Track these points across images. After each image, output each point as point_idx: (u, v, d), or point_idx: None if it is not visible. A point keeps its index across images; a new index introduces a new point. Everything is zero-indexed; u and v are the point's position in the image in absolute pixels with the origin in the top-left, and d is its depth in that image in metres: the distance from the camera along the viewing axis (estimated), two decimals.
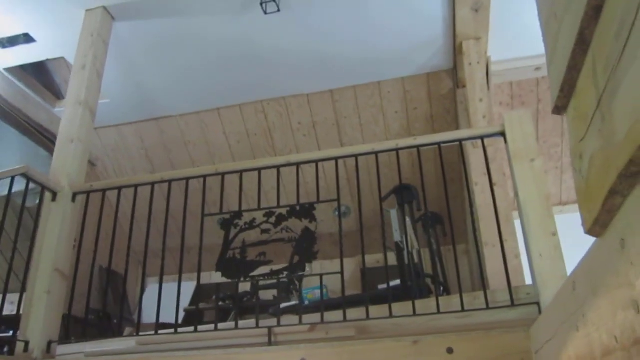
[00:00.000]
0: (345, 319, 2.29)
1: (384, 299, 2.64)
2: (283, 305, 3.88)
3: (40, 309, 2.65)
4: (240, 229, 2.54)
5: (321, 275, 2.66)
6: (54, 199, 2.90)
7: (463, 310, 2.23)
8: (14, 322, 2.75)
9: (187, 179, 2.76)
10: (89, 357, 2.64)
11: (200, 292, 5.46)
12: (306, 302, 4.05)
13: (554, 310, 1.54)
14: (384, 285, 3.70)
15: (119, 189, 2.88)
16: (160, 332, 2.59)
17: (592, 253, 1.05)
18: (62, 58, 4.24)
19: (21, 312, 2.64)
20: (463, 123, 4.38)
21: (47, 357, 2.59)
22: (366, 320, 2.32)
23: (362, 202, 2.78)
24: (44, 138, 4.83)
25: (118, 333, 4.58)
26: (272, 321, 2.45)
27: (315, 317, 2.42)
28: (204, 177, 2.74)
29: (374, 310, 2.40)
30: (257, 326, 2.37)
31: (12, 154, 5.07)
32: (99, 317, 4.87)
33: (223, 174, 2.71)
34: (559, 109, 1.08)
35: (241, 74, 4.40)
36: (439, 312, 2.25)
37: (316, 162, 2.62)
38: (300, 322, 2.35)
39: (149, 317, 6.23)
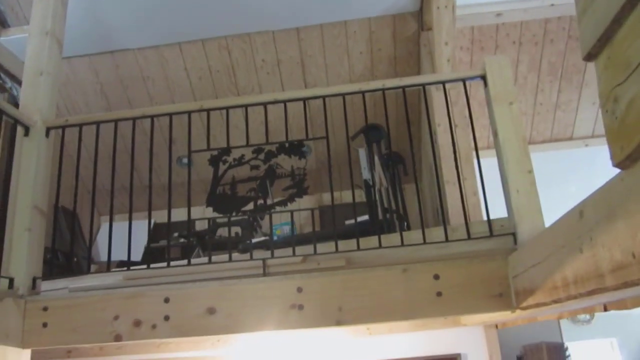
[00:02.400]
0: (337, 250, 2.42)
1: (353, 234, 2.79)
2: (254, 240, 4.00)
3: (22, 247, 2.61)
4: (229, 165, 2.57)
5: (292, 212, 2.76)
6: (26, 133, 2.80)
7: (447, 240, 2.41)
8: None
9: (170, 115, 2.74)
10: (74, 292, 2.66)
11: (157, 231, 5.48)
12: (275, 238, 4.18)
13: (548, 237, 1.73)
14: (351, 221, 3.89)
15: (97, 123, 2.82)
16: (152, 266, 2.63)
17: (613, 184, 1.20)
18: None
19: None
20: (425, 66, 4.50)
21: (32, 293, 2.58)
22: (355, 252, 2.47)
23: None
24: None
25: (80, 271, 4.56)
26: (266, 253, 2.55)
27: (306, 249, 2.54)
28: (189, 112, 2.72)
29: (361, 243, 2.55)
30: (251, 258, 2.47)
31: None
32: (56, 257, 4.80)
33: (208, 110, 2.70)
34: (591, 56, 1.20)
35: (205, 8, 4.27)
36: (424, 242, 2.42)
37: (304, 99, 2.67)
38: (294, 254, 2.46)
39: (104, 255, 6.19)
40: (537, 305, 1.94)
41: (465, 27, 4.68)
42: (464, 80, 2.64)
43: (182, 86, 4.95)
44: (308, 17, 4.46)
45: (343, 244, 2.51)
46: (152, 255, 5.19)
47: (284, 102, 2.68)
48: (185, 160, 5.05)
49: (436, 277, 2.26)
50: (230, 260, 2.48)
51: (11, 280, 2.53)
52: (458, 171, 2.68)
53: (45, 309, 2.45)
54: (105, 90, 5.01)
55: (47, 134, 2.84)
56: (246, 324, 2.33)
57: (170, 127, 2.72)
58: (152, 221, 5.41)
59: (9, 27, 4.60)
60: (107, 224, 5.33)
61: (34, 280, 2.61)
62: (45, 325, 2.43)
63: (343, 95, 2.65)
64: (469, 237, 2.41)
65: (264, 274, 2.42)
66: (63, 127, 2.85)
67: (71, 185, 2.84)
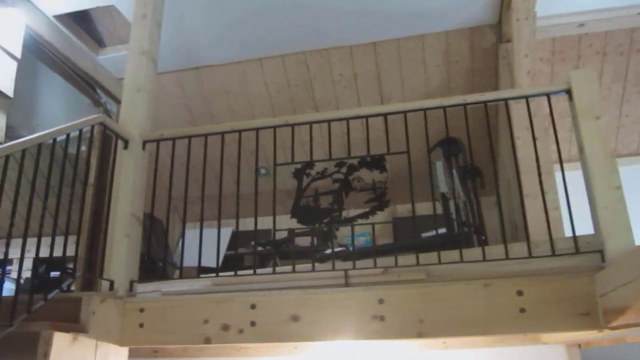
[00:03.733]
0: (418, 263, 2.46)
1: (430, 246, 2.81)
2: (328, 251, 4.09)
3: (121, 252, 2.82)
4: (312, 178, 2.67)
5: (373, 225, 2.82)
6: (126, 147, 3.03)
7: (530, 256, 2.39)
8: (59, 263, 2.86)
9: (257, 129, 2.88)
10: (167, 295, 2.83)
11: (237, 238, 5.69)
12: (350, 248, 4.25)
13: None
14: (429, 234, 3.89)
15: (189, 137, 3.01)
16: (239, 273, 2.76)
17: None
18: (110, 6, 4.28)
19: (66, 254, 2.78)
20: (504, 78, 4.45)
21: (130, 295, 2.78)
22: (436, 265, 2.49)
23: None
24: (87, 85, 4.91)
25: (169, 276, 4.82)
26: (346, 264, 2.62)
27: (385, 261, 2.59)
28: (274, 127, 2.85)
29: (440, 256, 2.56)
30: (334, 268, 2.55)
31: (57, 101, 5.16)
32: (143, 261, 5.09)
33: (292, 125, 2.82)
34: None
35: (285, 24, 4.43)
36: (507, 257, 2.41)
37: (385, 114, 2.73)
38: (375, 266, 2.52)
39: (188, 261, 6.49)
40: (628, 325, 1.90)
41: (545, 39, 4.59)
42: (547, 95, 2.62)
43: (261, 100, 5.14)
44: (385, 31, 4.53)
45: (423, 257, 2.54)
46: (231, 263, 5.40)
47: (366, 117, 2.75)
48: (263, 171, 5.24)
49: (519, 293, 2.25)
50: (313, 269, 2.56)
51: (112, 283, 2.74)
52: (541, 185, 2.65)
53: (141, 310, 2.63)
54: (189, 104, 5.28)
55: (143, 147, 3.06)
56: (328, 332, 2.41)
57: (256, 141, 2.85)
58: (232, 230, 5.64)
59: (105, 47, 4.95)
60: (191, 231, 5.60)
61: (132, 283, 2.82)
62: (141, 325, 2.61)
63: (424, 110, 2.69)
64: (554, 254, 2.38)
65: (346, 284, 2.49)
66: (158, 141, 3.06)
67: (158, 195, 3.03)
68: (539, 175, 2.63)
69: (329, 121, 2.80)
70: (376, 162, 2.63)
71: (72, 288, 3.23)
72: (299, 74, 4.93)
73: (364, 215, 2.58)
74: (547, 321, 2.20)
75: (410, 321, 2.31)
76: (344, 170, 2.65)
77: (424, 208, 3.36)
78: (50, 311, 2.36)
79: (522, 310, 2.23)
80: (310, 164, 2.71)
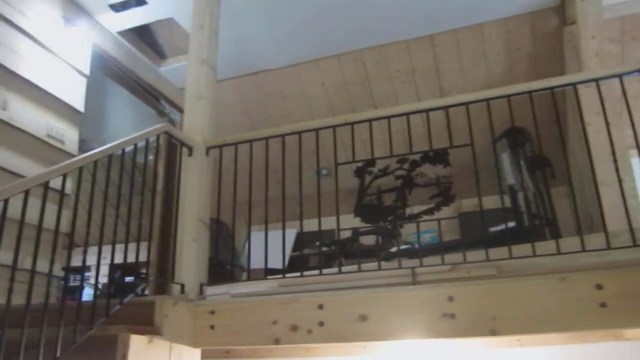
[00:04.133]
0: (488, 259, 2.38)
1: (499, 241, 2.71)
2: (394, 249, 4.04)
3: (190, 256, 2.89)
4: (374, 175, 2.64)
5: (439, 221, 2.75)
6: (190, 154, 3.11)
7: (609, 247, 2.27)
8: (133, 269, 2.94)
9: (317, 130, 2.88)
10: (236, 297, 2.88)
11: (302, 239, 5.73)
12: (416, 246, 4.18)
13: None
14: (497, 228, 3.77)
15: (250, 141, 3.05)
16: (305, 273, 2.77)
17: None
18: (169, 19, 4.41)
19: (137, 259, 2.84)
20: (570, 62, 4.25)
21: (200, 297, 2.85)
22: (507, 260, 2.41)
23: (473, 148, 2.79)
24: (151, 97, 5.09)
25: (236, 278, 4.91)
26: (414, 262, 2.58)
27: (452, 257, 2.53)
28: (333, 127, 2.84)
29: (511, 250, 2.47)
30: (400, 267, 2.51)
31: (124, 114, 5.39)
32: (211, 264, 5.23)
33: (352, 124, 2.80)
34: None
35: (339, 23, 4.42)
36: (584, 250, 2.30)
37: (446, 107, 2.67)
38: (442, 263, 2.46)
39: (254, 263, 6.61)
40: None
41: (613, 18, 4.35)
42: (620, 76, 2.47)
43: (320, 101, 5.16)
44: (441, 23, 4.44)
45: (493, 252, 2.46)
46: (296, 263, 5.44)
47: (426, 111, 2.70)
48: (324, 172, 5.25)
49: (599, 286, 2.13)
50: (379, 268, 2.53)
51: (182, 286, 2.81)
52: (618, 173, 2.51)
53: (212, 312, 2.69)
54: (249, 110, 5.37)
55: (207, 153, 3.14)
56: (397, 331, 2.37)
57: (317, 141, 2.85)
58: (296, 231, 5.69)
59: (166, 59, 5.12)
60: (257, 234, 5.68)
61: (201, 286, 2.89)
62: (212, 327, 2.67)
63: (487, 100, 2.61)
64: (635, 244, 2.24)
65: (413, 282, 2.44)
66: (221, 147, 3.12)
67: (224, 200, 3.09)
68: (615, 162, 2.49)
69: (388, 117, 2.76)
70: (439, 157, 2.57)
71: (146, 292, 3.35)
72: (356, 72, 4.91)
73: (429, 212, 2.52)
74: (631, 316, 2.08)
75: (483, 319, 2.24)
76: (406, 166, 2.61)
77: (490, 202, 3.26)
78: (127, 315, 2.45)
79: (603, 305, 2.11)
80: (371, 162, 2.69)
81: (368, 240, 5.15)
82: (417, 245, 4.22)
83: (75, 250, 6.28)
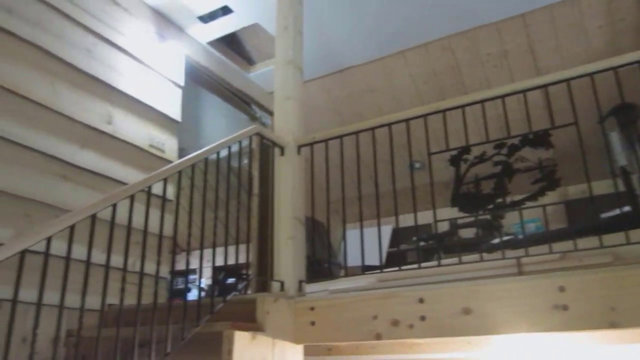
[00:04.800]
0: (602, 245, 2.20)
1: (613, 227, 2.49)
2: (497, 241, 3.86)
3: (288, 253, 2.93)
4: (470, 163, 2.53)
5: (544, 207, 2.57)
6: (282, 153, 3.15)
7: None
8: (235, 270, 3.02)
9: (407, 120, 2.81)
10: (335, 294, 2.87)
11: (398, 235, 5.65)
12: (520, 236, 3.98)
13: None
14: (610, 213, 3.49)
15: (341, 137, 3.03)
16: (403, 268, 2.71)
17: None
18: (254, 25, 4.52)
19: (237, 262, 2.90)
20: None
21: (299, 294, 2.87)
22: (624, 246, 2.21)
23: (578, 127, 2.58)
24: (242, 102, 5.24)
25: (334, 275, 4.92)
26: (519, 252, 2.44)
27: (562, 246, 2.36)
28: (424, 116, 2.76)
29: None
30: (504, 257, 2.38)
31: (218, 121, 5.59)
32: (309, 262, 5.30)
33: (444, 111, 2.71)
34: None
35: (424, 11, 4.30)
36: None
37: (545, 86, 2.50)
38: (551, 251, 2.30)
39: (351, 261, 6.63)
40: None
41: None
42: None
43: (408, 93, 5.07)
44: (534, 0, 4.18)
45: (606, 239, 2.27)
46: (394, 260, 5.37)
47: (523, 92, 2.54)
48: (417, 165, 5.14)
49: None
50: (481, 260, 2.42)
51: (282, 284, 2.85)
52: None
53: (312, 308, 2.70)
54: (338, 108, 5.38)
55: (298, 152, 3.16)
56: (503, 324, 2.25)
57: (408, 133, 2.78)
58: (392, 227, 5.62)
59: (254, 64, 5.24)
60: (352, 231, 5.68)
61: (300, 283, 2.91)
62: (313, 323, 2.68)
63: (591, 74, 2.41)
64: None
65: (519, 273, 2.31)
66: (311, 144, 3.13)
67: (317, 199, 3.09)
68: None
69: (482, 102, 2.64)
70: (540, 139, 2.41)
71: (249, 291, 3.44)
72: (445, 60, 4.76)
73: (532, 198, 2.37)
74: None
75: (600, 310, 2.07)
76: (504, 151, 2.47)
77: (600, 187, 3.02)
78: (230, 313, 2.52)
79: None
80: (466, 149, 2.58)
81: (467, 233, 4.97)
82: (520, 236, 4.00)
83: (181, 254, 6.62)
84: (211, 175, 2.63)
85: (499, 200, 2.46)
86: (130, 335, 2.11)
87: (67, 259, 1.91)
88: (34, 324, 1.80)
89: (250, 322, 2.48)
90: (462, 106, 2.68)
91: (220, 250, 2.57)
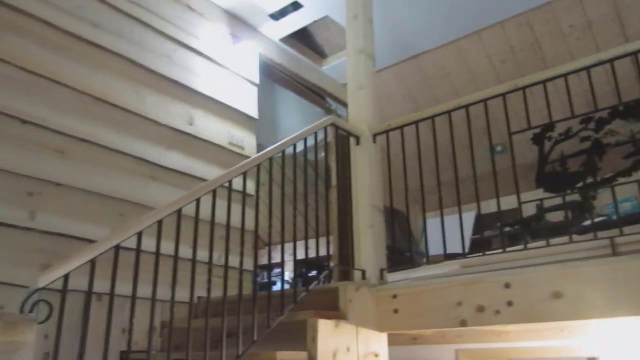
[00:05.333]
0: None
1: None
2: (587, 222, 3.66)
3: (368, 242, 2.93)
4: (555, 141, 2.41)
5: None
6: (358, 143, 3.15)
7: None
8: (317, 263, 3.02)
9: (485, 100, 2.73)
10: (418, 281, 2.84)
11: (481, 222, 5.48)
12: (614, 217, 3.74)
13: None
14: None
15: (416, 123, 2.99)
16: (487, 252, 2.64)
17: None
18: (325, 18, 4.53)
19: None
20: None
21: (381, 282, 2.87)
22: None
23: None
24: (317, 96, 5.28)
25: (416, 264, 4.87)
26: (613, 232, 2.30)
27: None
28: (503, 95, 2.66)
29: None
30: (596, 237, 2.25)
31: (294, 116, 5.68)
32: (390, 252, 5.26)
33: (523, 88, 2.60)
34: None
35: None
36: None
37: (635, 53, 2.33)
38: None
39: (433, 249, 6.53)
40: None
41: None
42: None
43: (485, 74, 4.90)
44: None
45: None
46: (478, 247, 5.22)
47: (610, 61, 2.39)
48: (499, 149, 4.96)
49: None
50: (570, 241, 2.30)
51: (363, 273, 2.86)
52: None
53: (394, 296, 2.69)
54: (413, 95, 5.30)
55: (374, 140, 3.15)
56: (598, 309, 2.13)
57: (486, 115, 2.70)
58: (474, 214, 5.46)
59: (327, 57, 5.27)
60: (433, 220, 5.58)
61: (382, 271, 2.90)
62: (396, 311, 2.67)
63: None
64: None
65: (614, 254, 2.17)
66: (387, 132, 3.11)
67: (396, 188, 3.06)
68: None
69: (565, 75, 2.50)
70: (632, 110, 2.25)
71: (331, 282, 3.48)
72: (523, 37, 4.55)
73: (626, 173, 2.22)
74: None
75: None
76: (592, 126, 2.33)
77: None
78: (314, 302, 2.56)
79: None
80: (550, 127, 2.45)
81: (555, 217, 4.74)
82: (615, 217, 3.77)
83: (264, 249, 6.79)
84: (290, 170, 2.68)
85: (589, 178, 2.32)
86: (218, 325, 2.20)
87: (157, 253, 2.02)
88: (130, 316, 1.90)
89: (334, 311, 2.51)
90: (544, 82, 2.56)
91: (301, 244, 2.62)
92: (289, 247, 2.70)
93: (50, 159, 2.77)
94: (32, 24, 2.86)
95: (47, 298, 1.58)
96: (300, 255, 3.65)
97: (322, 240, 2.74)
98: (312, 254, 2.72)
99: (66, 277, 1.67)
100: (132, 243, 1.96)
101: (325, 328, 2.36)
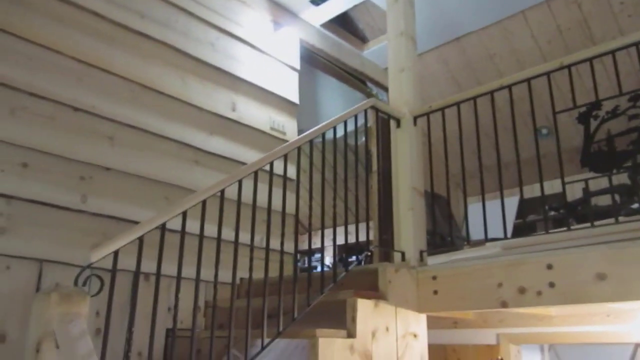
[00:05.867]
0: None
1: None
2: (635, 205, 3.55)
3: (408, 224, 2.94)
4: (601, 119, 2.35)
5: None
6: (398, 125, 3.15)
7: None
8: (357, 247, 3.01)
9: (529, 80, 2.68)
10: (453, 264, 2.82)
11: (524, 207, 5.38)
12: None
13: None
14: None
15: (458, 104, 2.96)
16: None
17: None
18: (365, 2, 4.52)
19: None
20: None
21: (421, 264, 2.88)
22: None
23: None
24: (358, 81, 5.27)
25: (458, 247, 4.83)
26: None
27: None
28: (547, 73, 2.60)
29: None
30: None
31: (334, 101, 5.69)
32: (431, 236, 5.23)
33: (569, 66, 2.53)
34: None
35: None
36: None
37: None
38: None
39: (475, 235, 6.45)
40: None
41: None
42: None
43: (530, 55, 4.78)
44: None
45: None
46: (520, 232, 5.13)
47: None
48: (544, 131, 4.85)
49: None
50: (616, 222, 2.25)
51: (403, 254, 2.87)
52: None
53: (434, 277, 2.69)
54: (455, 77, 5.23)
55: (415, 123, 3.14)
56: None
57: (530, 95, 2.64)
58: (517, 198, 5.37)
59: (368, 42, 5.25)
60: (474, 205, 5.51)
61: (421, 253, 2.91)
62: (435, 292, 2.67)
63: None
64: None
65: None
66: (428, 114, 3.09)
67: (437, 172, 3.05)
68: None
69: (613, 52, 2.42)
70: None
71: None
72: (570, 15, 4.41)
73: None
74: None
75: None
76: None
77: None
78: (353, 283, 2.60)
79: None
80: (596, 105, 2.39)
81: (601, 201, 4.61)
82: None
83: (305, 235, 6.87)
84: (330, 155, 2.70)
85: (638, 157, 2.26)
86: (259, 305, 2.26)
87: (201, 233, 2.08)
88: (176, 293, 1.97)
89: (373, 291, 2.54)
90: (590, 59, 2.48)
91: (341, 230, 2.64)
92: (328, 232, 2.71)
93: (101, 145, 2.89)
94: (84, 15, 2.97)
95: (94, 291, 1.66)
96: (340, 241, 3.69)
97: (362, 226, 2.77)
98: (352, 239, 2.76)
99: (116, 254, 1.75)
100: (177, 225, 2.03)
101: (364, 307, 2.39)
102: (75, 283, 1.60)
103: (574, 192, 4.60)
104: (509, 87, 2.76)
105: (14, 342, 2.33)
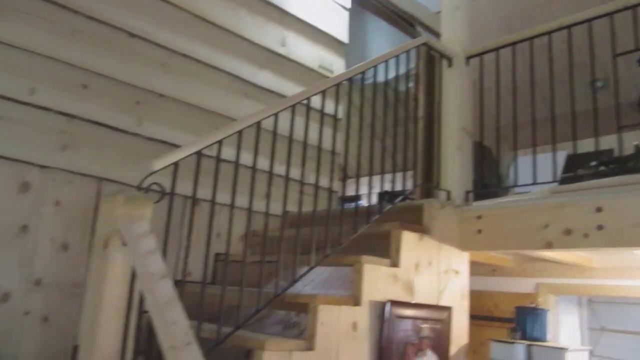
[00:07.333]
0: None
1: None
2: None
3: (455, 164, 2.94)
4: None
5: None
6: (450, 64, 3.10)
7: None
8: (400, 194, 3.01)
9: (589, 20, 2.58)
10: (498, 204, 2.82)
11: (573, 162, 5.27)
12: None
13: None
14: None
15: (513, 44, 2.89)
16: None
17: None
18: None
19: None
20: None
21: (466, 204, 2.88)
22: None
23: None
24: (407, 24, 5.16)
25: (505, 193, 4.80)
26: None
27: None
28: (610, 14, 2.51)
29: None
30: None
31: (382, 44, 5.60)
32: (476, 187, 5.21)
33: (635, 6, 2.43)
34: None
35: None
36: None
37: None
38: None
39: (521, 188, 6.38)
40: None
41: None
42: None
43: (590, 2, 4.55)
44: None
45: None
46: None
47: None
48: (599, 84, 4.68)
49: None
50: None
51: (448, 193, 2.88)
52: None
53: (479, 217, 2.71)
54: (509, 24, 5.05)
55: (467, 62, 3.09)
56: None
57: (590, 40, 2.56)
58: (567, 153, 5.25)
59: None
60: (523, 158, 5.41)
61: (467, 193, 2.92)
62: (479, 231, 2.69)
63: None
64: None
65: None
66: (481, 54, 3.03)
67: (486, 124, 3.00)
68: None
69: None
70: None
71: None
72: None
73: None
74: None
75: None
76: None
77: None
78: (399, 217, 2.62)
79: None
80: None
81: None
82: None
83: (350, 181, 6.89)
84: (378, 99, 2.67)
85: None
86: (307, 235, 2.32)
87: (254, 168, 2.10)
88: (230, 219, 2.01)
89: (418, 225, 2.57)
90: None
91: (387, 178, 2.65)
92: (372, 180, 2.74)
93: (154, 71, 2.95)
94: None
95: (155, 199, 1.71)
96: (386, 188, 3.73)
97: (407, 175, 2.78)
98: (398, 187, 2.78)
99: (176, 165, 1.82)
100: (231, 155, 2.07)
101: (408, 239, 2.44)
102: (139, 188, 1.67)
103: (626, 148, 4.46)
104: (569, 27, 2.68)
105: (76, 250, 2.47)
